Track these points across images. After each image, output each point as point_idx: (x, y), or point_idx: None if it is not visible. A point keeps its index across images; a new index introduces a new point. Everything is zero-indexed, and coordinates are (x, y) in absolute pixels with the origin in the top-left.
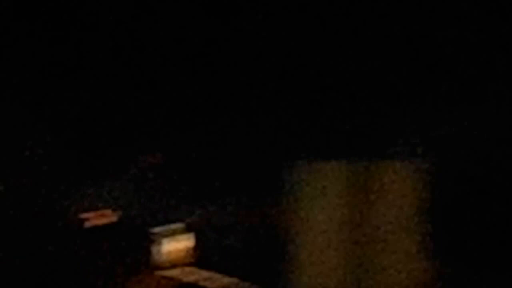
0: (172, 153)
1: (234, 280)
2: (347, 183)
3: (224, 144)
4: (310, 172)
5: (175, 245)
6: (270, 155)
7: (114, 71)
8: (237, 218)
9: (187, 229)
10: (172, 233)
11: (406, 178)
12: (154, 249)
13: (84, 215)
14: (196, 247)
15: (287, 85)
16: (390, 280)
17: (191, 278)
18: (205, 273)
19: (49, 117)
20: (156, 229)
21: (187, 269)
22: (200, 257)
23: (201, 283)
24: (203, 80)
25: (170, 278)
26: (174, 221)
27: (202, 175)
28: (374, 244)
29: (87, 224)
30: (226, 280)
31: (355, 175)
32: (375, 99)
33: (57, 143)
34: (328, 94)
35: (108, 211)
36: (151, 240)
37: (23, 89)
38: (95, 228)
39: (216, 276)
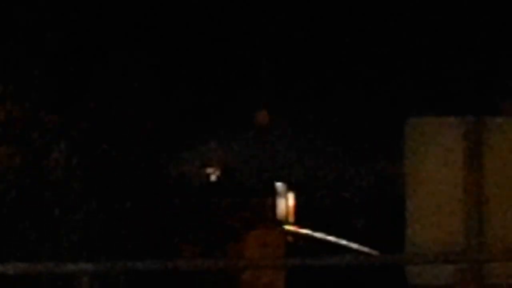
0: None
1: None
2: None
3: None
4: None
5: (281, 203)
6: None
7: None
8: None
9: (289, 189)
10: (280, 192)
11: None
12: (277, 204)
13: (209, 169)
14: (296, 207)
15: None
16: (505, 236)
17: (304, 232)
18: (305, 231)
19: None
20: (277, 185)
21: (289, 226)
22: (297, 217)
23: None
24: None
25: (287, 232)
26: (277, 180)
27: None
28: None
29: (212, 178)
30: (331, 238)
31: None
32: None
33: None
34: None
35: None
36: (274, 196)
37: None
38: (215, 182)
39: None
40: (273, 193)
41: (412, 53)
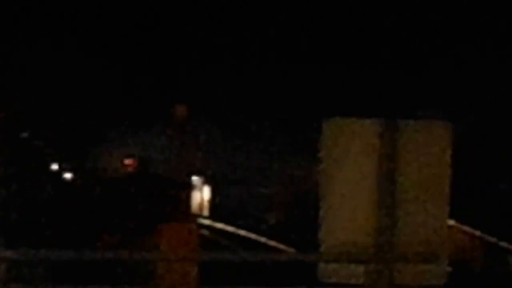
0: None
1: (251, 234)
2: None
3: None
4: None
5: (197, 196)
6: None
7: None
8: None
9: (205, 182)
10: (195, 185)
11: (436, 138)
12: (190, 197)
13: (126, 161)
14: (212, 200)
15: None
16: (416, 238)
17: (219, 226)
18: (219, 225)
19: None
20: (193, 179)
21: (204, 219)
22: (213, 210)
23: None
24: None
25: (202, 225)
26: (194, 174)
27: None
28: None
29: (129, 170)
30: (243, 232)
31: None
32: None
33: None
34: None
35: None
36: (189, 189)
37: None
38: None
39: (230, 228)
40: (189, 187)
41: (335, 56)
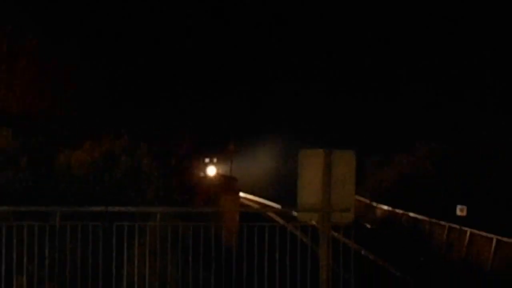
0: None
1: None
2: None
3: None
4: None
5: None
6: None
7: None
8: None
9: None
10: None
11: (348, 157)
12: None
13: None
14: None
15: None
16: (340, 201)
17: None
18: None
19: None
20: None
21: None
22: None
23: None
24: None
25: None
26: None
27: None
28: None
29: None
30: (256, 198)
31: None
32: None
33: None
34: None
35: None
36: (236, 180)
37: None
38: None
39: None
40: (236, 180)
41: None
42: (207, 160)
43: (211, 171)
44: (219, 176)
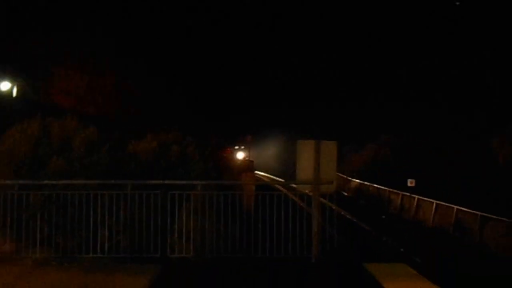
0: None
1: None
2: None
3: None
4: None
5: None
6: None
7: None
8: None
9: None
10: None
11: (332, 145)
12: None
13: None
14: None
15: None
16: (326, 175)
17: (262, 174)
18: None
19: None
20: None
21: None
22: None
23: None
24: None
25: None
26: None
27: None
28: None
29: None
30: (268, 175)
31: None
32: None
33: None
34: None
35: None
36: (252, 162)
37: None
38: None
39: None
40: (252, 162)
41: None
42: (236, 147)
43: (240, 155)
44: (244, 159)
